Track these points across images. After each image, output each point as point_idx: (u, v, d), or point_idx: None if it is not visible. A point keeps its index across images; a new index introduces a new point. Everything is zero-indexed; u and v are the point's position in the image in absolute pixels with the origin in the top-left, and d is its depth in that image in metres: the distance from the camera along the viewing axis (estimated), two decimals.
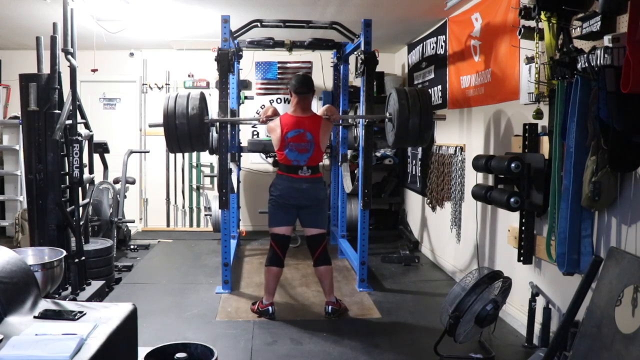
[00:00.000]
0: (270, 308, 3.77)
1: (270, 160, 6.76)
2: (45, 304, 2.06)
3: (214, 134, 5.43)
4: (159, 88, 6.88)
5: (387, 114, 4.12)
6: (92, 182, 4.20)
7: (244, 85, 6.36)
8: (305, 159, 3.77)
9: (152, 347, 2.13)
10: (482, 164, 3.62)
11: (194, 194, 7.04)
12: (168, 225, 7.01)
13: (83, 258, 3.77)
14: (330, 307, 3.80)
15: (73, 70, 3.77)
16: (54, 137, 3.51)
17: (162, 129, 3.83)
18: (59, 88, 3.63)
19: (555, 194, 2.86)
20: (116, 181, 5.70)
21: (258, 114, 6.89)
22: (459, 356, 3.12)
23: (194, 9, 4.69)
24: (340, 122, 5.46)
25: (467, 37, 4.41)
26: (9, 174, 6.19)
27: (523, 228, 3.39)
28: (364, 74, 4.34)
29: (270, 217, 3.89)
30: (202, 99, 3.90)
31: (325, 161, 6.70)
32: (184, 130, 3.76)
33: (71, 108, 3.67)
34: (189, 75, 6.85)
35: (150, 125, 3.97)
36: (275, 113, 3.91)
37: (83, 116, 3.95)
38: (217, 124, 4.20)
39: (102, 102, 6.88)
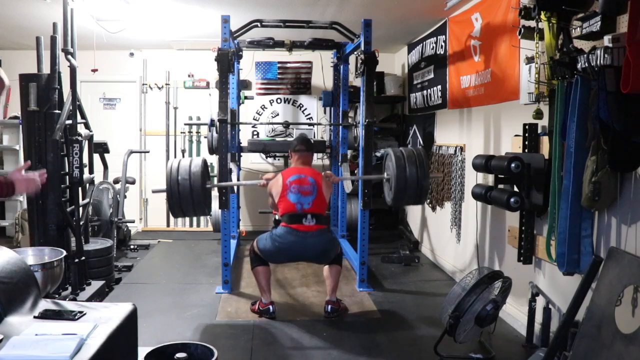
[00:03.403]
0: (270, 307, 3.76)
1: (271, 160, 6.77)
2: (45, 304, 2.06)
3: (214, 134, 5.43)
4: (159, 88, 6.88)
5: (385, 174, 4.09)
6: (92, 182, 4.20)
7: (244, 85, 6.36)
8: (309, 202, 3.71)
9: (152, 347, 2.13)
10: (482, 164, 3.61)
11: None
12: (168, 225, 7.01)
13: (83, 258, 3.77)
14: (330, 307, 3.80)
15: (73, 70, 3.77)
16: (54, 137, 3.51)
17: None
18: (59, 88, 3.64)
19: (555, 194, 2.86)
20: (116, 181, 5.70)
21: (258, 114, 6.91)
22: (459, 356, 3.12)
23: (194, 9, 4.69)
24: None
25: (467, 37, 4.41)
26: None
27: (523, 228, 3.39)
28: (364, 74, 4.34)
29: (264, 249, 3.79)
30: (204, 164, 3.85)
31: (326, 161, 6.73)
32: (186, 193, 3.68)
33: (71, 108, 3.67)
34: (189, 75, 6.85)
35: (154, 192, 3.95)
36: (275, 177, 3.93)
37: (83, 116, 3.95)
38: (217, 122, 4.19)
39: (102, 102, 6.88)
